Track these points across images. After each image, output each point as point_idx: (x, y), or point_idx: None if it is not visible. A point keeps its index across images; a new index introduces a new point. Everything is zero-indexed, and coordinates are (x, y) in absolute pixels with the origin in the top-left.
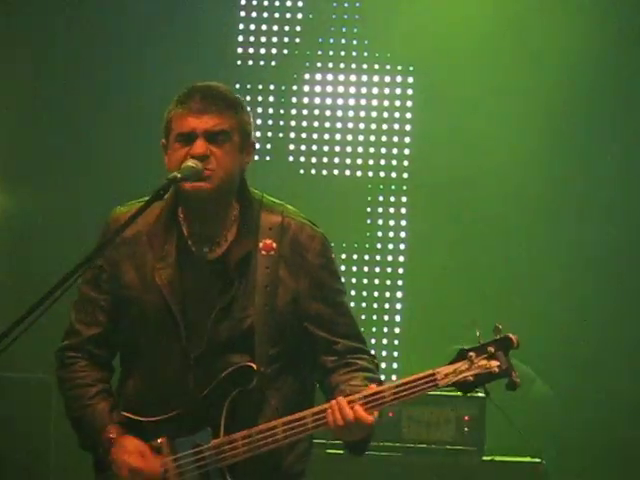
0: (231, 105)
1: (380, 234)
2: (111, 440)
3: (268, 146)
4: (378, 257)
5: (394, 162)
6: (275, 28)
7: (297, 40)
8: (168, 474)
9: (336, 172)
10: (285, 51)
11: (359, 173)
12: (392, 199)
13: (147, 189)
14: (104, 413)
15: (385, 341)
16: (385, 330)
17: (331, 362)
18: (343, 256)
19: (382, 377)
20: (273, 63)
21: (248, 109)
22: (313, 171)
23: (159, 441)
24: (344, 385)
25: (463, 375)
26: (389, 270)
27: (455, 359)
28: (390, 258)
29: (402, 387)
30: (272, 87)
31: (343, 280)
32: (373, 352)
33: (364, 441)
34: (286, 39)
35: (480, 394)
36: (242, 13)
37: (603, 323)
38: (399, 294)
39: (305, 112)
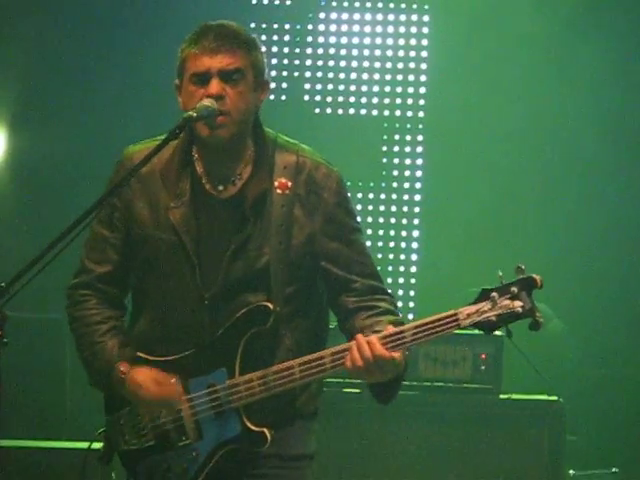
0: (244, 43)
1: (396, 173)
2: (122, 376)
3: (284, 85)
4: (394, 196)
5: (410, 101)
6: None
7: None
8: (182, 414)
9: (352, 111)
10: None
11: (375, 112)
12: (408, 138)
13: (158, 130)
14: (114, 350)
15: (401, 280)
16: (402, 269)
17: (352, 303)
18: (359, 195)
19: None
20: (288, 2)
21: (261, 47)
22: (329, 110)
23: (172, 381)
24: (368, 330)
25: (486, 315)
26: (405, 209)
27: (477, 299)
28: (406, 197)
29: (423, 327)
30: (287, 26)
31: (359, 219)
32: (390, 291)
33: (391, 387)
34: None
35: (498, 331)
36: None
37: (619, 262)
38: (415, 233)
39: (320, 51)
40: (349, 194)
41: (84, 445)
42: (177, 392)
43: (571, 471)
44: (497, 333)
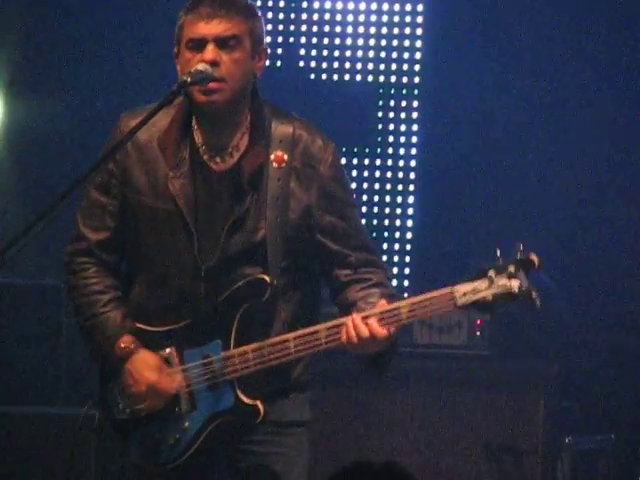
0: (241, 10)
1: (392, 139)
2: (127, 350)
3: (279, 51)
4: (390, 162)
5: (405, 66)
6: None
7: None
8: (177, 384)
9: (347, 77)
10: None
11: (370, 78)
12: (404, 104)
13: (156, 97)
14: (117, 321)
15: (397, 246)
16: (397, 235)
17: (345, 276)
18: (355, 161)
19: (394, 282)
20: None
21: (259, 14)
22: (324, 76)
23: (167, 351)
24: (361, 302)
25: (482, 294)
26: (401, 175)
27: (474, 277)
28: (402, 163)
29: (419, 304)
30: None
31: (354, 186)
32: (385, 258)
33: (382, 359)
34: None
35: None
36: None
37: (620, 227)
38: (411, 199)
39: (316, 17)
40: (344, 168)
41: (78, 412)
42: (173, 387)
43: (567, 437)
44: None
